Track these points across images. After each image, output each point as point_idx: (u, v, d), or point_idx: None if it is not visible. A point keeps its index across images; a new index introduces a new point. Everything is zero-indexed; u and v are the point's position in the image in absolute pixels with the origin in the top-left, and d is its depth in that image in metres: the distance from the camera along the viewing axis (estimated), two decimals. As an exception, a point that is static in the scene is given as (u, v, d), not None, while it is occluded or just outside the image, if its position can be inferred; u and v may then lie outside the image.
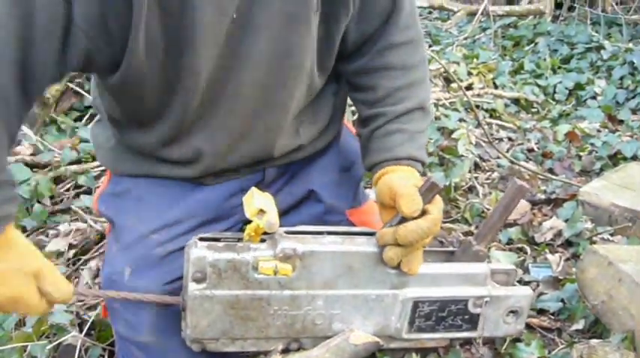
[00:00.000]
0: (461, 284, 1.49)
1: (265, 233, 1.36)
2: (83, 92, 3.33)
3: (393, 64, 1.56)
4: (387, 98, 1.55)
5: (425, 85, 1.61)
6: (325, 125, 1.64)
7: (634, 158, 3.00)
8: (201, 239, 1.36)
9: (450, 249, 1.55)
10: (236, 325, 1.38)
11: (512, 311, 1.54)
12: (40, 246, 2.34)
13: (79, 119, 3.28)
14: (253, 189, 1.36)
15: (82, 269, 2.20)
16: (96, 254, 2.26)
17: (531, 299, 1.57)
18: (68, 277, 2.17)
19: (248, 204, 1.34)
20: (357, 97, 1.61)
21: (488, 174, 2.87)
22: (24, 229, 2.44)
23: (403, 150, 1.50)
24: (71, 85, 3.29)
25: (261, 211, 1.32)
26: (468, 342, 1.66)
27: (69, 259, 2.27)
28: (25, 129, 2.93)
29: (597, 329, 1.74)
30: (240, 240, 1.37)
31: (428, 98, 1.61)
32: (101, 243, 2.29)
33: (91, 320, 1.80)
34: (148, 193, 1.52)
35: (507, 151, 3.21)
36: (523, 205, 2.50)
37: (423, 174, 1.53)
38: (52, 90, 3.13)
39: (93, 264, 2.20)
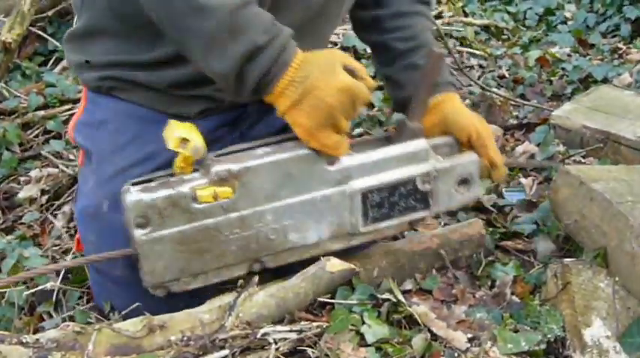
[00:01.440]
0: (404, 164, 1.48)
1: (197, 163, 1.34)
2: (46, 36, 3.26)
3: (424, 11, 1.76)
4: (421, 35, 1.71)
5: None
6: None
7: (604, 81, 3.00)
8: (134, 184, 1.33)
9: (386, 134, 1.54)
10: (192, 260, 1.37)
11: (462, 181, 1.55)
12: (12, 194, 2.33)
13: (43, 64, 3.22)
14: (171, 121, 1.32)
15: (56, 215, 2.19)
16: (69, 198, 2.25)
17: (478, 163, 1.58)
18: (42, 223, 2.16)
19: (168, 136, 1.30)
20: (390, 37, 1.73)
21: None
22: (-6, 178, 2.42)
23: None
24: (34, 29, 3.22)
25: (184, 140, 1.29)
26: (443, 267, 1.68)
27: (42, 205, 2.26)
28: (-12, 75, 2.88)
29: (571, 247, 1.76)
30: (172, 175, 1.35)
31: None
32: (73, 188, 2.27)
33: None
34: (125, 125, 1.50)
35: (479, 78, 3.20)
36: (495, 130, 2.50)
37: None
38: (14, 35, 3.05)
39: (67, 208, 2.19)
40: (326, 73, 1.30)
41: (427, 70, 1.53)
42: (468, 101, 2.84)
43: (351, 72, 1.34)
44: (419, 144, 1.50)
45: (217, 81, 1.36)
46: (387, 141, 1.53)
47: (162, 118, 1.45)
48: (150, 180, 1.35)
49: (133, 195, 1.31)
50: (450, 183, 1.54)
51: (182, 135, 1.29)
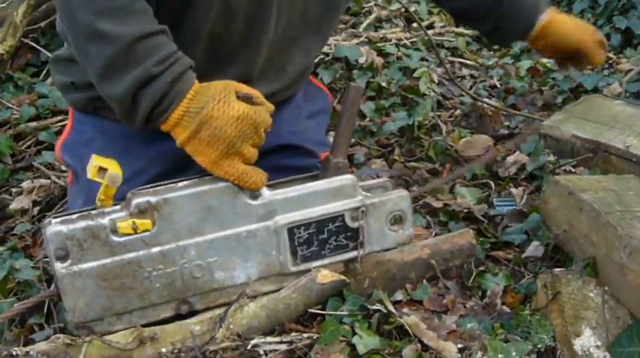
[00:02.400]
0: (330, 200, 1.47)
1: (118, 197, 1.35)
2: (39, 48, 3.26)
3: None
4: None
5: None
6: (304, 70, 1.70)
7: (595, 90, 3.01)
8: (55, 217, 1.33)
9: (312, 174, 1.54)
10: (115, 298, 1.35)
11: (395, 219, 1.53)
12: (4, 205, 2.32)
13: (35, 75, 3.21)
14: (93, 155, 1.34)
15: (48, 226, 2.18)
16: (61, 209, 2.24)
17: (409, 200, 1.56)
18: (34, 234, 2.16)
19: (88, 168, 1.32)
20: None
21: (451, 111, 2.87)
22: (-15, 188, 2.42)
23: None
24: (26, 41, 3.22)
25: (102, 169, 1.30)
26: (434, 277, 1.68)
27: (34, 216, 2.26)
28: (-20, 87, 2.88)
29: (560, 257, 1.77)
30: (94, 208, 1.34)
31: None
32: (65, 199, 2.27)
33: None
34: (112, 144, 1.51)
35: (470, 88, 3.21)
36: (486, 140, 2.51)
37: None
38: (7, 46, 3.06)
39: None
40: (221, 103, 1.31)
41: (347, 105, 1.53)
42: (458, 111, 2.85)
43: (247, 99, 1.35)
44: (344, 179, 1.49)
45: (112, 105, 1.37)
46: (313, 178, 1.52)
47: (147, 136, 1.46)
48: (71, 213, 1.34)
49: (53, 227, 1.30)
50: (381, 220, 1.52)
51: (99, 164, 1.30)
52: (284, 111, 1.70)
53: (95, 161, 1.31)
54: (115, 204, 1.35)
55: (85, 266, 1.32)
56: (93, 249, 1.32)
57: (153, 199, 1.35)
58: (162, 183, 1.39)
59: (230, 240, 1.41)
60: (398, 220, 1.56)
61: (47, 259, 1.90)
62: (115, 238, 1.33)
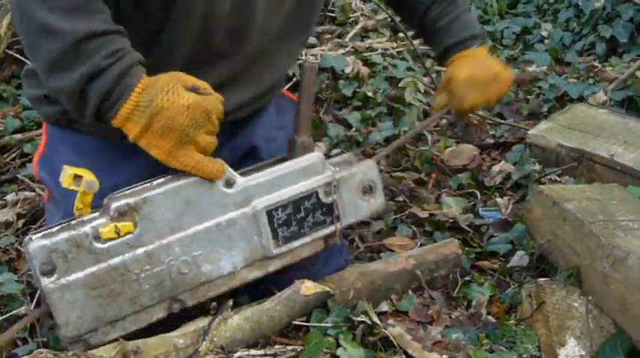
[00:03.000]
0: (302, 178, 1.49)
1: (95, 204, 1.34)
2: (23, 59, 3.25)
3: None
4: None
5: None
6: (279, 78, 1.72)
7: (580, 99, 3.02)
8: (35, 233, 1.32)
9: (279, 157, 1.55)
10: (106, 306, 1.35)
11: (366, 189, 1.56)
12: (-12, 217, 2.31)
13: (20, 86, 3.19)
14: (65, 166, 1.33)
15: (32, 239, 2.17)
16: (45, 223, 2.23)
17: (377, 169, 1.60)
18: (18, 247, 2.14)
19: (63, 178, 1.31)
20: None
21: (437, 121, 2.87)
22: (-30, 201, 2.40)
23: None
24: (10, 52, 3.20)
25: (77, 176, 1.29)
26: (419, 288, 1.68)
27: (18, 229, 2.24)
28: (-36, 99, 2.87)
29: (545, 267, 1.77)
30: (72, 219, 1.34)
31: None
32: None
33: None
34: (87, 158, 1.50)
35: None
36: (471, 149, 2.52)
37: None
38: (-9, 58, 3.05)
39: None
40: (170, 93, 1.31)
41: (304, 84, 1.54)
42: (444, 121, 2.85)
43: (195, 89, 1.35)
44: (312, 156, 1.52)
45: (61, 100, 1.38)
46: (282, 160, 1.54)
47: (123, 150, 1.46)
48: (51, 227, 1.33)
49: (35, 243, 1.29)
50: (353, 192, 1.55)
51: (74, 171, 1.29)
52: (258, 118, 1.70)
53: (69, 170, 1.30)
54: (92, 212, 1.35)
55: (72, 277, 1.31)
56: (78, 258, 1.31)
57: (131, 200, 1.34)
58: (136, 184, 1.39)
59: (211, 231, 1.41)
60: (369, 190, 1.57)
61: (31, 273, 1.90)
62: (99, 245, 1.32)
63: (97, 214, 1.34)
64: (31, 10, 1.30)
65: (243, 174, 1.45)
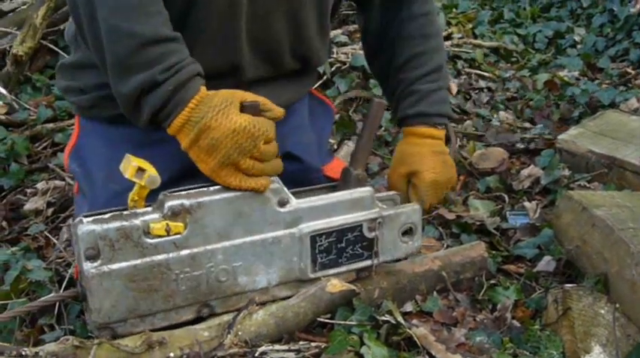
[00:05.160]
0: (351, 210, 1.51)
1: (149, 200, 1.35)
2: (57, 49, 3.29)
3: (413, 34, 1.77)
4: (407, 64, 1.77)
5: (442, 53, 1.83)
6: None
7: (612, 105, 3.00)
8: (86, 216, 1.33)
9: (332, 184, 1.59)
10: (141, 300, 1.36)
11: (406, 231, 1.58)
12: (18, 205, 2.34)
13: (53, 77, 3.21)
14: (128, 154, 1.33)
15: (61, 227, 2.20)
16: (74, 214, 2.26)
17: (420, 213, 1.61)
18: (47, 235, 2.17)
19: (125, 167, 1.31)
20: (376, 64, 1.89)
21: (467, 123, 2.87)
22: (1, 188, 2.43)
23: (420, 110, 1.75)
24: (45, 43, 3.24)
25: (140, 169, 1.30)
26: (444, 289, 1.68)
27: (47, 217, 2.27)
28: (-1, 87, 2.91)
29: (572, 273, 1.76)
30: (126, 209, 1.35)
31: (444, 63, 1.83)
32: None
33: (69, 277, 1.80)
34: (117, 150, 1.50)
35: (487, 101, 3.21)
36: (501, 153, 2.51)
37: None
38: (26, 48, 3.08)
39: (72, 220, 2.19)
40: (220, 114, 1.32)
41: (369, 119, 1.58)
42: (473, 123, 2.85)
43: (252, 108, 1.36)
44: (365, 191, 1.54)
45: (119, 104, 1.40)
46: (333, 189, 1.57)
47: (154, 142, 1.47)
48: (103, 213, 1.34)
49: (85, 226, 1.30)
50: (394, 231, 1.57)
51: (139, 164, 1.30)
52: (290, 119, 1.70)
53: (133, 161, 1.31)
54: (146, 206, 1.36)
55: (114, 266, 1.32)
56: (124, 249, 1.32)
57: (187, 202, 1.36)
58: (193, 186, 1.41)
59: (256, 245, 1.44)
60: (409, 232, 1.60)
61: (60, 261, 1.92)
62: (147, 240, 1.34)
63: (150, 209, 1.35)
64: (96, 11, 1.33)
65: (295, 195, 1.48)
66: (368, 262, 1.56)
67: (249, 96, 1.38)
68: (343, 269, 1.54)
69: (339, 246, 1.51)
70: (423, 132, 1.76)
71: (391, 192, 1.68)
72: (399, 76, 1.80)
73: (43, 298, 1.51)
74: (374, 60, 1.91)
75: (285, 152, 1.64)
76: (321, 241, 1.49)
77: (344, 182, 1.57)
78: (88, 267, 1.31)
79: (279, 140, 1.62)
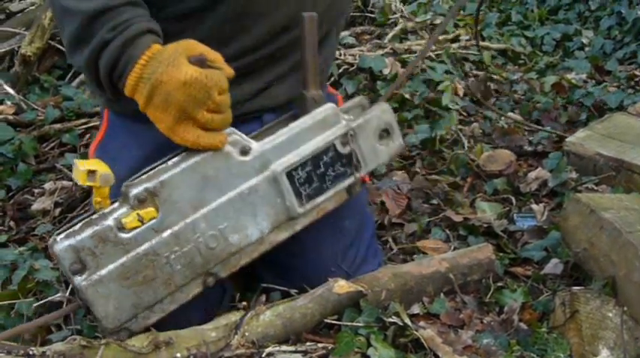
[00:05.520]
0: (317, 133, 1.47)
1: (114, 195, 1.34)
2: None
3: None
4: None
5: None
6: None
7: (619, 108, 2.99)
8: (58, 233, 1.31)
9: (290, 114, 1.53)
10: (142, 292, 1.35)
11: (382, 133, 1.55)
12: (26, 205, 2.34)
13: (61, 77, 3.24)
14: (75, 160, 1.32)
15: (69, 227, 2.20)
16: (82, 211, 2.26)
17: (391, 111, 1.57)
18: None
19: (76, 175, 1.29)
20: None
21: (474, 125, 2.86)
22: (9, 189, 2.44)
23: None
24: (53, 43, 3.25)
25: (90, 172, 1.28)
26: (451, 291, 1.68)
27: (55, 217, 2.28)
28: (7, 88, 2.91)
29: (579, 275, 1.75)
30: (93, 213, 1.33)
31: None
32: (86, 201, 2.29)
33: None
34: (144, 148, 1.51)
35: (494, 103, 3.20)
36: (508, 155, 2.50)
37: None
38: (34, 48, 3.09)
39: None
40: (169, 66, 1.29)
41: (305, 36, 1.50)
42: (480, 125, 2.84)
43: (200, 62, 1.32)
44: (325, 108, 1.49)
45: (85, 76, 1.41)
46: (293, 118, 1.51)
47: (173, 143, 1.46)
48: (73, 225, 1.32)
49: (60, 244, 1.28)
50: (370, 138, 1.53)
51: (87, 167, 1.28)
52: None
53: (80, 166, 1.28)
54: (112, 202, 1.34)
55: (104, 272, 1.31)
56: (106, 252, 1.30)
57: (149, 185, 1.33)
58: (150, 167, 1.38)
59: (234, 201, 1.40)
60: (386, 134, 1.56)
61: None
62: (124, 235, 1.31)
63: (116, 205, 1.33)
64: None
65: (256, 139, 1.44)
66: (353, 178, 1.52)
67: (197, 49, 1.34)
68: (331, 192, 1.50)
69: (319, 171, 1.47)
70: None
71: (357, 98, 1.62)
72: None
73: (60, 310, 1.50)
74: None
75: None
76: (298, 174, 1.45)
77: (302, 108, 1.51)
78: (79, 280, 1.29)
79: None
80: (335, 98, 1.92)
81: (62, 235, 1.29)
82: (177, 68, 1.28)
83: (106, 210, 1.32)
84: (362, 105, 1.59)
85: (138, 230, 1.32)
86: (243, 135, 1.41)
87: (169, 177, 1.34)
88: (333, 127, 1.48)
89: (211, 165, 1.37)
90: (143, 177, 1.35)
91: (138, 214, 1.32)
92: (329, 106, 1.50)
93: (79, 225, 1.30)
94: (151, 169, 1.36)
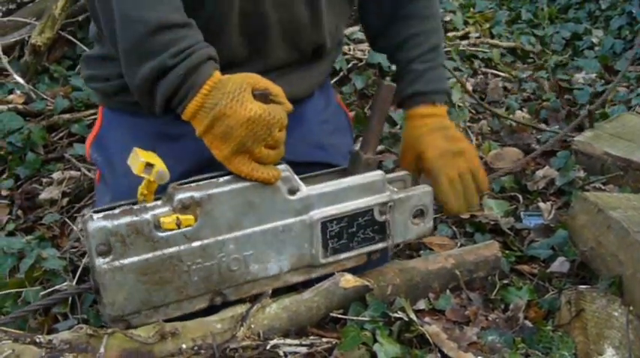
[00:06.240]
0: (361, 195, 1.50)
1: (159, 194, 1.35)
2: (75, 40, 3.30)
3: (411, 14, 1.78)
4: (404, 44, 1.78)
5: (439, 33, 1.84)
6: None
7: (628, 108, 2.98)
8: (96, 211, 1.32)
9: (340, 168, 1.57)
10: (153, 292, 1.36)
11: (417, 213, 1.57)
12: (34, 194, 2.35)
13: (71, 68, 3.25)
14: (135, 148, 1.33)
15: (76, 217, 2.21)
16: (89, 201, 2.28)
17: (432, 195, 1.60)
18: (62, 224, 2.18)
19: (133, 162, 1.31)
20: (376, 44, 1.90)
21: (482, 123, 2.86)
22: (17, 178, 2.45)
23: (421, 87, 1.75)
24: (63, 34, 3.25)
25: (148, 165, 1.29)
26: (457, 288, 1.67)
27: (62, 207, 2.29)
28: (17, 77, 2.92)
29: (586, 274, 1.75)
30: (135, 203, 1.34)
31: (441, 43, 1.85)
32: (94, 191, 2.29)
33: (83, 266, 1.81)
34: (139, 141, 1.51)
35: (502, 102, 3.20)
36: (516, 153, 2.50)
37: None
38: (44, 39, 3.10)
39: (86, 211, 2.21)
40: (234, 101, 1.30)
41: (378, 101, 1.56)
42: (489, 122, 2.84)
43: (263, 97, 1.34)
44: (375, 174, 1.53)
45: (134, 94, 1.40)
46: (343, 173, 1.56)
47: (176, 135, 1.47)
48: (113, 208, 1.34)
49: (95, 223, 1.29)
50: (405, 214, 1.56)
51: (147, 159, 1.29)
52: (307, 116, 1.70)
53: (141, 156, 1.30)
54: (156, 199, 1.36)
55: (126, 261, 1.32)
56: (136, 244, 1.32)
57: (197, 195, 1.35)
58: (201, 177, 1.40)
59: (267, 234, 1.43)
60: (420, 214, 1.59)
61: (74, 250, 1.93)
62: (158, 233, 1.33)
63: (159, 203, 1.35)
64: (109, 1, 1.34)
65: (305, 182, 1.47)
66: (379, 245, 1.55)
67: (261, 84, 1.36)
68: (354, 253, 1.53)
69: (350, 230, 1.50)
70: (422, 113, 1.74)
71: (401, 173, 1.66)
72: (397, 56, 1.80)
73: (58, 293, 1.51)
74: (375, 41, 1.92)
75: (306, 161, 1.64)
76: (332, 227, 1.48)
77: (353, 166, 1.55)
78: (100, 262, 1.31)
79: (297, 142, 1.62)
80: (344, 111, 1.93)
81: (100, 214, 1.31)
82: (242, 104, 1.30)
83: (149, 205, 1.33)
84: (404, 180, 1.64)
85: (171, 232, 1.34)
86: (295, 176, 1.44)
87: (218, 192, 1.37)
88: (376, 194, 1.52)
89: (259, 195, 1.40)
90: (192, 185, 1.37)
91: (177, 218, 1.34)
92: (379, 173, 1.53)
93: (119, 210, 1.32)
94: (200, 179, 1.39)
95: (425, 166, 1.70)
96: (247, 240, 1.42)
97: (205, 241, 1.38)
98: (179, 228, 1.34)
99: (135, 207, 1.33)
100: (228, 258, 1.41)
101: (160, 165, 1.30)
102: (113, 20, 1.35)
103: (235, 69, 1.40)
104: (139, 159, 1.30)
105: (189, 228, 1.36)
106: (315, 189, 1.47)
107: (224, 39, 1.46)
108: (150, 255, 1.34)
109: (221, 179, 1.39)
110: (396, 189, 1.57)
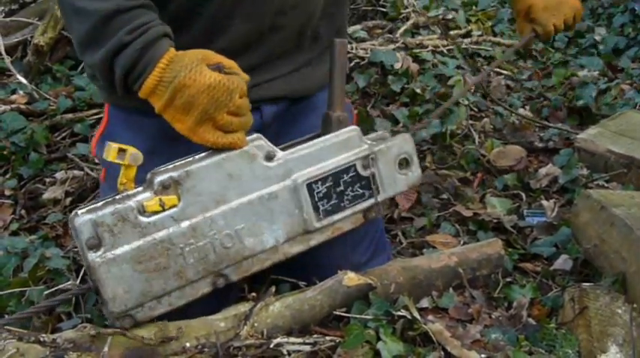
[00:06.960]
0: (340, 152, 1.51)
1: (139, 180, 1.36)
2: (78, 40, 3.30)
3: None
4: None
5: None
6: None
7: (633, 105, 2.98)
8: (80, 209, 1.33)
9: (314, 133, 1.56)
10: (152, 280, 1.36)
11: (402, 163, 1.58)
12: (37, 194, 2.36)
13: (74, 67, 3.25)
14: (108, 142, 1.35)
15: (79, 217, 2.21)
16: (92, 201, 2.27)
17: (412, 142, 1.60)
18: (65, 224, 2.18)
19: (107, 153, 1.33)
20: None
21: (484, 121, 2.86)
22: (20, 177, 2.45)
23: None
24: (66, 34, 3.25)
25: (121, 150, 1.32)
26: (460, 286, 1.67)
27: (65, 206, 2.29)
28: (19, 77, 2.92)
29: (589, 272, 1.75)
30: (117, 194, 1.35)
31: None
32: (97, 191, 2.30)
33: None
34: (141, 140, 1.52)
35: (505, 100, 3.19)
36: (519, 151, 2.50)
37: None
38: (47, 39, 3.10)
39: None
40: (192, 71, 1.33)
41: (335, 59, 1.55)
42: (491, 120, 2.83)
43: (218, 69, 1.36)
44: (350, 130, 1.53)
45: (96, 75, 1.44)
46: (317, 136, 1.54)
47: (177, 135, 1.47)
48: (96, 203, 1.35)
49: (80, 218, 1.31)
50: (390, 165, 1.56)
51: (118, 146, 1.32)
52: (318, 104, 1.70)
53: (113, 145, 1.33)
54: (136, 187, 1.37)
55: (118, 251, 1.33)
56: (124, 232, 1.33)
57: (175, 174, 1.36)
58: (178, 159, 1.41)
59: (254, 204, 1.43)
60: (405, 163, 1.59)
61: (77, 249, 1.93)
62: (144, 218, 1.34)
63: (140, 189, 1.36)
64: None
65: (282, 149, 1.47)
66: (370, 200, 1.55)
67: (215, 58, 1.38)
68: (348, 212, 1.53)
69: (338, 189, 1.50)
70: None
71: (379, 132, 1.68)
72: None
73: (61, 294, 1.51)
74: None
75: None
76: (318, 188, 1.48)
77: (326, 127, 1.55)
78: (93, 257, 1.31)
79: (304, 121, 1.63)
80: (350, 106, 1.93)
81: (84, 210, 1.32)
82: (201, 73, 1.33)
83: (130, 192, 1.35)
84: (384, 137, 1.63)
85: (158, 216, 1.35)
86: (269, 142, 1.45)
87: (195, 168, 1.38)
88: (355, 149, 1.52)
89: (236, 165, 1.41)
90: (170, 166, 1.38)
91: (160, 199, 1.35)
92: (353, 128, 1.53)
93: (102, 202, 1.33)
94: (177, 161, 1.40)
95: (533, 17, 2.03)
96: (235, 213, 1.41)
97: (194, 220, 1.38)
98: (163, 209, 1.35)
99: (117, 196, 1.34)
100: (220, 234, 1.41)
101: (131, 148, 1.32)
102: (66, 13, 1.41)
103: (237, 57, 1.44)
104: (111, 146, 1.32)
105: (174, 208, 1.36)
106: (292, 152, 1.47)
107: (228, 27, 1.50)
108: (141, 242, 1.34)
109: (197, 156, 1.40)
110: (374, 143, 1.56)
